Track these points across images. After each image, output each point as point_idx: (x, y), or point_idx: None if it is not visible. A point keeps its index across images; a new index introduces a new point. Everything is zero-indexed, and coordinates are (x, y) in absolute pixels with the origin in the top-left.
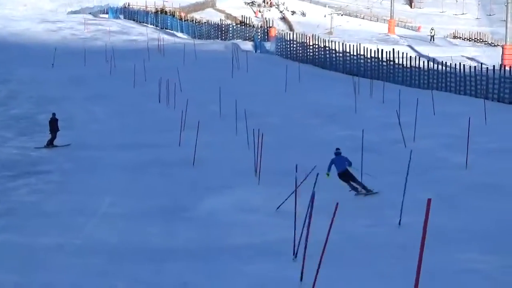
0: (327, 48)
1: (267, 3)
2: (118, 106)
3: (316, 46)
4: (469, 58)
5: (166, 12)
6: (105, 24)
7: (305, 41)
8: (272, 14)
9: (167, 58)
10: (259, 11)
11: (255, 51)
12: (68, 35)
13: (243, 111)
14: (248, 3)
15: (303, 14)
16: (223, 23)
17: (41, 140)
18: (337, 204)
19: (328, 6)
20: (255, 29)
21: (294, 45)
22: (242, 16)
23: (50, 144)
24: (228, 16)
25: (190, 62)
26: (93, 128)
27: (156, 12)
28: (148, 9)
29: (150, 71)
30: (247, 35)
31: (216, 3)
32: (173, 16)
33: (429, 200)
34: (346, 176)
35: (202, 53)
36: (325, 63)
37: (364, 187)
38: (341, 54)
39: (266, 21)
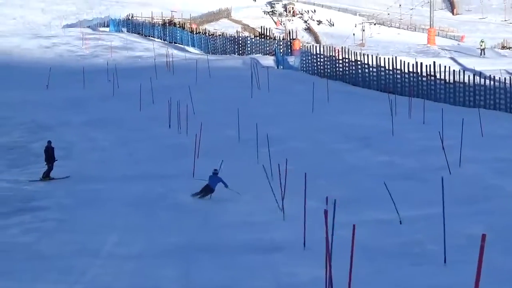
0: (358, 62)
1: (290, 12)
2: (122, 132)
3: (346, 60)
4: None
5: (175, 24)
6: (106, 39)
7: (333, 54)
8: (296, 25)
9: (177, 77)
10: (281, 21)
11: (277, 67)
12: (64, 52)
13: (264, 136)
14: (268, 12)
15: (331, 24)
16: (240, 35)
17: (35, 172)
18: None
19: (359, 15)
20: (276, 41)
21: (321, 60)
22: (261, 27)
23: (47, 176)
24: (246, 27)
25: (204, 80)
26: (95, 158)
27: (164, 24)
28: (155, 21)
29: (158, 91)
30: (268, 48)
31: (231, 13)
32: (183, 28)
33: (483, 236)
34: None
35: (217, 70)
36: (357, 80)
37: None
38: (374, 69)
39: (289, 32)
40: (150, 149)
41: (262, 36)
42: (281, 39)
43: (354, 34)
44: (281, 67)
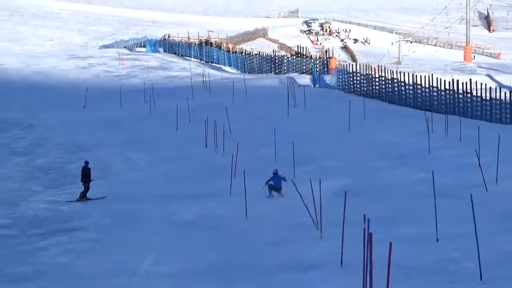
0: (395, 80)
1: (326, 30)
2: (159, 151)
3: (383, 78)
4: None
5: (211, 44)
6: (143, 59)
7: (370, 72)
8: (332, 43)
9: (213, 96)
10: (317, 40)
11: (314, 86)
12: (101, 73)
13: (301, 154)
14: (305, 31)
15: (367, 42)
16: (277, 54)
17: (72, 192)
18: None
19: (395, 33)
20: (312, 60)
21: (358, 78)
22: (297, 46)
23: (83, 196)
24: (282, 46)
25: (240, 99)
26: (132, 178)
27: (200, 44)
28: (191, 40)
29: (195, 111)
30: (304, 67)
31: (268, 32)
32: (220, 48)
33: None
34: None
35: (254, 89)
36: (393, 97)
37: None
38: (411, 87)
39: (325, 51)
40: (187, 168)
41: (299, 55)
42: (317, 57)
43: (389, 52)
44: (318, 85)
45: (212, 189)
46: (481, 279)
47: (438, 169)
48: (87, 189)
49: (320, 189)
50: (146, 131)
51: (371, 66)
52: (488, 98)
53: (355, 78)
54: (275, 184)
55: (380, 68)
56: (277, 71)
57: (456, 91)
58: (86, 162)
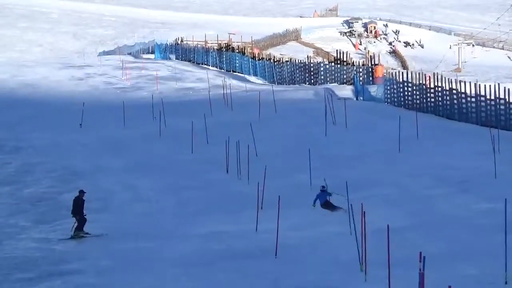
0: (454, 91)
1: (371, 32)
2: (171, 178)
3: (439, 88)
4: None
5: (233, 49)
6: (151, 68)
7: (423, 82)
8: (378, 47)
9: (236, 112)
10: (360, 44)
11: (356, 98)
12: (100, 85)
13: (342, 181)
14: (345, 33)
15: (420, 46)
16: (312, 61)
17: (67, 228)
18: None
19: (454, 34)
20: (355, 68)
21: (410, 89)
22: (337, 51)
23: (79, 231)
24: (318, 51)
25: (268, 116)
26: (138, 210)
27: (220, 49)
28: (209, 45)
29: (214, 130)
30: (345, 76)
31: (301, 35)
32: (243, 53)
33: None
34: (326, 205)
35: (284, 103)
36: (453, 112)
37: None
38: (473, 99)
39: (370, 56)
40: (205, 199)
41: (338, 62)
42: (361, 64)
43: (447, 57)
44: (361, 98)
45: (235, 224)
46: None
47: (507, 197)
48: (82, 221)
49: (365, 222)
50: (155, 155)
51: (425, 75)
52: None
53: (406, 89)
54: (321, 201)
55: (436, 77)
56: (312, 81)
57: None
58: (81, 192)
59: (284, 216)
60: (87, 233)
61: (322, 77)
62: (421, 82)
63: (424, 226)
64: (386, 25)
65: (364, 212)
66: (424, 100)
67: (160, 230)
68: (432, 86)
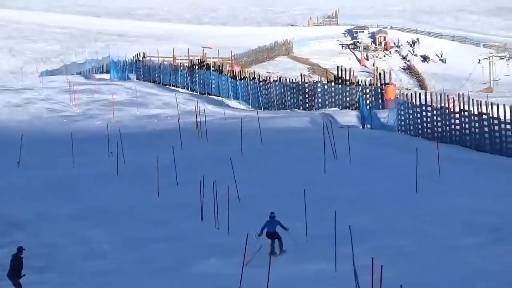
0: (484, 117)
1: (380, 43)
2: (132, 228)
3: (466, 113)
4: None
5: (208, 66)
6: (106, 91)
7: (446, 105)
8: (390, 63)
9: (213, 145)
10: (367, 59)
11: (363, 126)
12: (43, 112)
13: (346, 230)
14: (348, 46)
15: (442, 60)
16: (307, 80)
17: None
18: None
19: (484, 45)
20: (361, 88)
21: (429, 114)
22: (337, 67)
23: None
24: (315, 68)
25: (253, 149)
26: (91, 269)
27: (192, 66)
28: (178, 61)
29: (185, 167)
30: (348, 99)
31: (293, 48)
32: (221, 72)
33: None
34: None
35: (273, 133)
36: (483, 142)
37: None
38: (508, 126)
39: (380, 74)
40: (175, 253)
41: (340, 81)
42: (367, 84)
43: (473, 74)
44: (368, 126)
45: (214, 285)
46: None
47: None
48: (18, 286)
49: (373, 280)
50: (112, 199)
51: (448, 96)
52: None
53: (424, 114)
54: (269, 229)
55: (462, 99)
56: (307, 105)
57: None
58: (20, 249)
59: (274, 274)
60: None
61: (320, 100)
62: (443, 105)
63: (450, 285)
64: (398, 41)
65: (373, 265)
66: (447, 128)
67: None
68: (457, 110)
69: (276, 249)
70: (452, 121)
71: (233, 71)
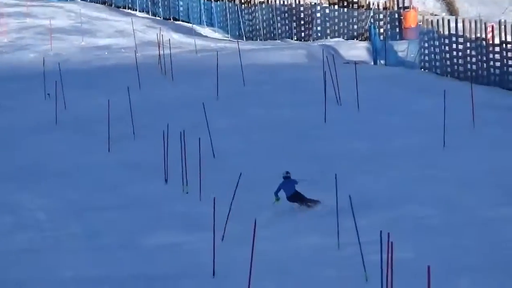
0: None
1: None
2: (75, 192)
3: (509, 46)
4: None
5: None
6: (41, 15)
7: (483, 36)
8: None
9: (180, 85)
10: None
11: (374, 62)
12: None
13: (353, 195)
14: None
15: None
16: (302, 2)
17: None
18: None
19: None
20: (372, 13)
21: (461, 46)
22: None
23: None
24: None
25: (233, 91)
26: (20, 244)
27: None
28: None
29: (144, 114)
30: (356, 27)
31: None
32: None
33: None
34: (295, 197)
35: (258, 70)
36: None
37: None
38: None
39: None
40: (130, 225)
41: (345, 4)
42: (381, 8)
43: None
44: (382, 61)
45: (180, 264)
46: None
47: None
48: None
49: (391, 259)
50: (48, 155)
51: (485, 24)
52: None
53: (454, 47)
54: (288, 193)
55: (504, 28)
56: (303, 34)
57: None
58: None
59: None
60: None
61: (319, 28)
62: (478, 35)
63: (486, 265)
64: None
65: (392, 243)
66: (484, 65)
67: (55, 275)
68: (496, 41)
69: (312, 206)
70: (491, 56)
71: None
